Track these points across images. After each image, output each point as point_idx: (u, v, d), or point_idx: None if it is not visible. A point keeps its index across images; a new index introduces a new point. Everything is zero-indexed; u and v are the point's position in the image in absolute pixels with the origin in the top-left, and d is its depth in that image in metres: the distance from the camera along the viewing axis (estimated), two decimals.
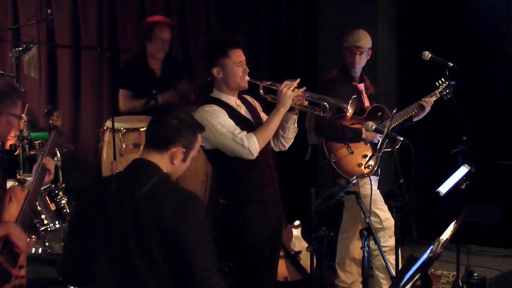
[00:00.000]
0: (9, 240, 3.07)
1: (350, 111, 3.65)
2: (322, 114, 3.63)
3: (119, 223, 2.55)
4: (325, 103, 3.61)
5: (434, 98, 4.63)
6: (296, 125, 3.73)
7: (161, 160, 2.64)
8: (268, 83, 3.66)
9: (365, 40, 4.52)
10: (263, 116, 3.81)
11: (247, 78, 3.62)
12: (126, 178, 2.63)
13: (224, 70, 3.60)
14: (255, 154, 3.53)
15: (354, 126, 4.51)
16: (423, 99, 4.58)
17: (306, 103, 3.64)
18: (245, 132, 3.52)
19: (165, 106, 2.77)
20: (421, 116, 4.63)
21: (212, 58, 3.62)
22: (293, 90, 3.55)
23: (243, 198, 3.63)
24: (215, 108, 3.57)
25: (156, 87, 5.26)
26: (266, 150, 3.69)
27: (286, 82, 3.57)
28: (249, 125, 3.64)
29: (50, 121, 3.64)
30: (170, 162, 2.65)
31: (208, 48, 3.81)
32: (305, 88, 3.61)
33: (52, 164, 3.43)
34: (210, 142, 3.58)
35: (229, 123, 3.54)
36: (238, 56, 3.61)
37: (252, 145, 3.50)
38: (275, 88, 3.61)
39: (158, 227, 2.49)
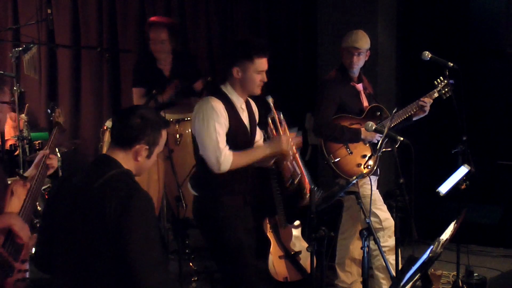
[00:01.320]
0: (12, 233, 3.07)
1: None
2: (289, 186, 3.77)
3: (73, 215, 2.60)
4: (297, 179, 3.72)
5: (435, 96, 4.62)
6: (272, 162, 3.84)
7: (125, 158, 2.68)
8: (281, 119, 3.74)
9: (363, 41, 4.52)
10: (258, 131, 3.87)
11: (271, 100, 3.69)
12: (87, 172, 2.69)
13: (243, 73, 3.61)
14: (221, 172, 3.56)
15: (353, 126, 4.50)
16: (421, 99, 4.57)
17: (288, 166, 3.73)
18: (227, 150, 3.54)
19: (135, 105, 2.83)
20: (421, 116, 4.63)
21: (236, 57, 3.62)
22: (289, 148, 3.66)
23: (214, 195, 3.66)
24: (221, 108, 3.57)
25: (165, 86, 5.25)
26: None
27: (291, 136, 3.67)
28: (244, 132, 3.66)
29: (52, 118, 3.65)
30: (134, 159, 2.69)
31: (236, 45, 3.80)
32: (297, 153, 3.72)
33: (55, 160, 3.44)
34: (195, 131, 3.60)
35: (222, 132, 3.55)
36: (261, 65, 3.63)
37: (225, 163, 3.54)
38: (279, 128, 3.71)
39: (102, 220, 2.52)
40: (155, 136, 2.72)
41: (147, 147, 2.69)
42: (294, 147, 3.72)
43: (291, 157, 3.71)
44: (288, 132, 3.75)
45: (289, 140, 3.67)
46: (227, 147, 3.56)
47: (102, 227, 2.52)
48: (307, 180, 3.78)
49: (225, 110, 3.58)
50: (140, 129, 2.67)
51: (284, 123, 3.77)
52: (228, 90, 3.67)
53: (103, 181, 2.58)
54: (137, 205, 2.54)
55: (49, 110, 3.73)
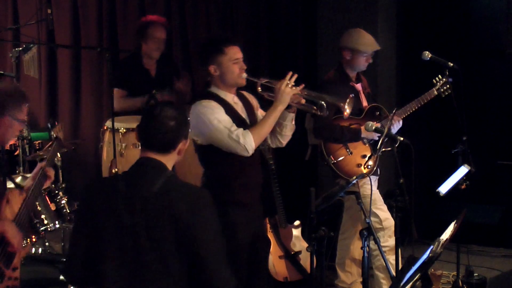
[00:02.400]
0: (4, 240, 3.06)
1: (347, 110, 3.66)
2: (319, 113, 3.63)
3: (130, 223, 2.58)
4: (322, 102, 3.61)
5: (434, 94, 4.62)
6: (293, 122, 3.74)
7: (168, 159, 2.71)
8: (265, 80, 3.66)
9: (376, 42, 4.53)
10: (260, 114, 3.81)
11: (244, 75, 3.61)
12: (134, 178, 2.66)
13: (220, 68, 3.58)
14: (251, 151, 3.53)
15: (353, 126, 4.50)
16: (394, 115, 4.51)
17: (303, 101, 3.64)
18: (241, 129, 3.53)
19: (153, 106, 2.83)
20: (396, 129, 4.56)
21: (208, 56, 3.61)
22: (291, 87, 3.55)
23: (226, 198, 3.61)
24: (213, 103, 3.57)
25: (151, 87, 5.25)
26: (256, 153, 3.69)
27: (285, 79, 3.56)
28: (244, 124, 3.63)
29: (52, 133, 3.67)
30: (178, 155, 2.74)
31: (203, 45, 3.78)
32: (303, 85, 3.60)
33: (52, 172, 3.44)
34: (205, 137, 3.57)
35: (226, 119, 3.53)
36: (234, 53, 3.59)
37: (248, 142, 3.50)
38: (272, 86, 3.61)
39: (171, 224, 2.54)
40: (188, 127, 2.78)
41: (186, 140, 2.75)
42: (293, 86, 3.57)
43: (299, 93, 3.60)
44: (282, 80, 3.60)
45: (286, 82, 3.55)
46: (241, 128, 3.53)
47: (171, 229, 2.54)
48: (327, 97, 3.65)
49: (219, 105, 3.58)
50: (177, 130, 2.70)
51: (270, 79, 3.67)
52: (214, 89, 3.65)
53: (162, 184, 2.60)
54: (206, 204, 2.62)
55: (49, 125, 3.76)
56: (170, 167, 2.71)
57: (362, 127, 4.42)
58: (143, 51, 5.48)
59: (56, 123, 3.73)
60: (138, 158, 2.71)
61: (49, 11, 6.03)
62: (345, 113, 3.67)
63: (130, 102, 5.39)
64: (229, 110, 3.60)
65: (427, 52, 4.57)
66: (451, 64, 4.56)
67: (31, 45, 5.84)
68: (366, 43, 4.50)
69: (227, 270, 2.64)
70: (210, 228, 2.60)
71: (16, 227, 3.12)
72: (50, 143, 3.68)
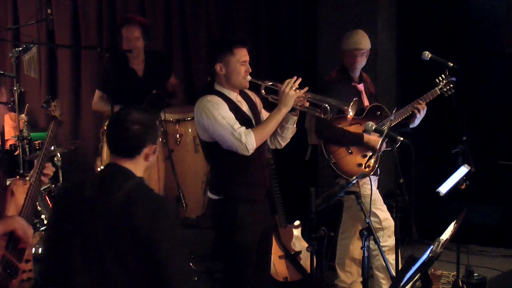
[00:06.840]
0: (14, 236, 3.07)
1: (351, 113, 3.66)
2: (322, 116, 3.64)
3: (93, 229, 2.57)
4: (326, 105, 3.62)
5: (437, 94, 4.62)
6: (295, 125, 3.75)
7: (136, 165, 2.67)
8: (270, 83, 3.67)
9: (365, 41, 4.52)
10: (264, 113, 3.82)
11: (248, 77, 3.64)
12: (100, 184, 2.65)
13: (227, 67, 3.61)
14: (251, 151, 3.55)
15: (354, 126, 4.50)
16: (419, 100, 4.53)
17: (307, 104, 3.65)
18: (244, 128, 3.54)
19: (119, 110, 2.78)
20: (416, 123, 4.57)
21: (217, 54, 3.63)
22: (295, 90, 3.56)
23: (233, 195, 3.65)
24: (218, 99, 3.59)
25: (137, 86, 5.20)
26: (261, 149, 3.72)
27: (287, 81, 3.58)
28: (248, 122, 3.65)
29: (48, 112, 3.59)
30: (145, 160, 2.68)
31: (213, 43, 3.80)
32: (307, 88, 3.62)
33: (51, 169, 3.42)
34: (208, 132, 3.59)
35: (230, 115, 3.55)
36: (242, 55, 3.62)
37: (249, 141, 3.51)
38: (276, 88, 3.62)
39: (131, 234, 2.51)
40: (156, 132, 2.72)
41: (154, 146, 2.70)
42: (297, 89, 3.57)
43: (303, 96, 3.60)
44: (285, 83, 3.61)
45: (290, 85, 3.55)
46: (243, 127, 3.54)
47: (132, 240, 2.51)
48: (331, 100, 3.65)
49: (223, 101, 3.59)
50: (143, 135, 2.65)
51: (274, 82, 3.68)
52: (218, 88, 3.67)
53: (125, 193, 2.56)
54: (167, 214, 2.56)
55: (44, 105, 3.67)
56: (139, 173, 2.66)
57: (366, 135, 4.43)
58: None
59: (51, 101, 3.62)
60: (107, 164, 2.69)
61: (49, 11, 6.01)
62: (349, 116, 3.68)
63: (104, 107, 5.27)
64: (234, 108, 3.63)
65: (427, 52, 4.57)
66: (451, 64, 4.55)
67: (31, 45, 5.83)
68: (349, 42, 4.51)
69: (189, 280, 2.62)
70: (170, 238, 2.54)
71: (24, 221, 3.12)
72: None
